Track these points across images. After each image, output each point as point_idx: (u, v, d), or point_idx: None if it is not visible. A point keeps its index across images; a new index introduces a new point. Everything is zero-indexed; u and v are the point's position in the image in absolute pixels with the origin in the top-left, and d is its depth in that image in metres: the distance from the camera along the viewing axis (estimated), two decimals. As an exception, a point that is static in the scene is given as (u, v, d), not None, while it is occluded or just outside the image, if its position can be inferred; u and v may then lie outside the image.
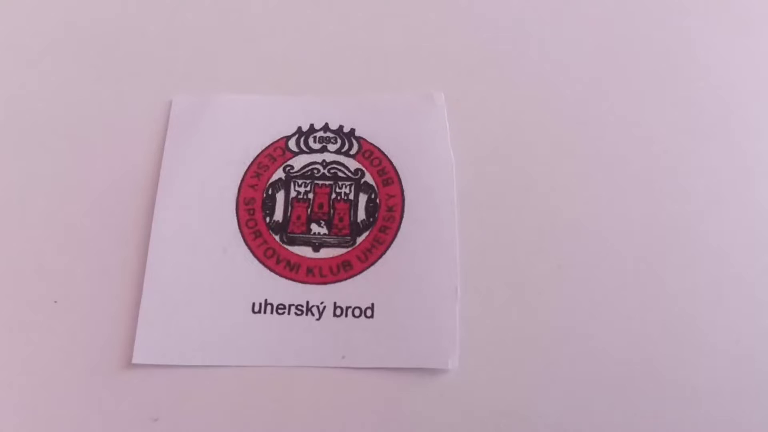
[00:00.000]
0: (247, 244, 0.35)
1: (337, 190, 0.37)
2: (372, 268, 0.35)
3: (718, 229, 0.36)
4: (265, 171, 0.37)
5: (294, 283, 0.35)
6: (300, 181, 0.37)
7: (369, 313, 0.34)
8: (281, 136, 0.38)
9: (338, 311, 0.34)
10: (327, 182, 0.37)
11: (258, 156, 0.38)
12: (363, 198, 0.37)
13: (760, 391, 0.33)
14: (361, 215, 0.36)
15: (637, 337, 0.34)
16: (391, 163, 0.37)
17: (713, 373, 0.33)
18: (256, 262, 0.35)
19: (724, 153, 0.38)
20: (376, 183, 0.37)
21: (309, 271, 0.35)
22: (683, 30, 0.42)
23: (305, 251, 0.35)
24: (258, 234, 0.36)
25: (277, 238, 0.36)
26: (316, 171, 0.37)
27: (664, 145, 0.38)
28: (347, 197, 0.37)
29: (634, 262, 0.35)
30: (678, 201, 0.37)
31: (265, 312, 0.34)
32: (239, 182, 0.37)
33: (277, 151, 0.38)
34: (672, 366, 0.33)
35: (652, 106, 0.39)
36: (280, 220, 0.36)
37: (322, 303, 0.34)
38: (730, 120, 0.39)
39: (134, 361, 0.33)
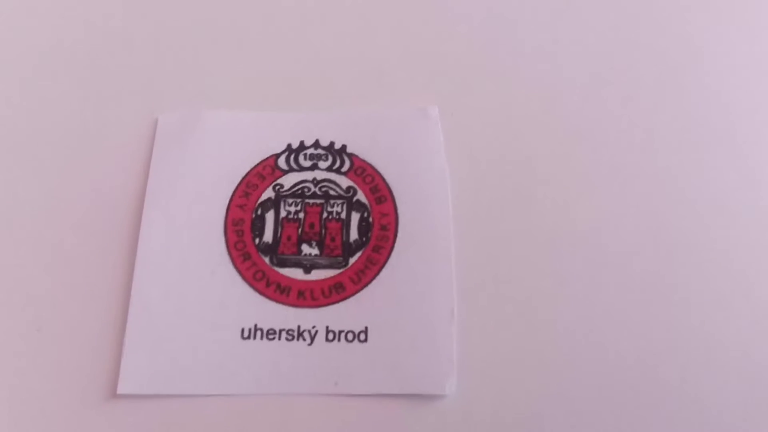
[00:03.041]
0: (235, 267, 0.34)
1: (329, 209, 0.36)
2: (365, 289, 0.34)
3: (724, 235, 0.35)
4: (254, 190, 0.36)
5: (285, 306, 0.33)
6: (290, 201, 0.36)
7: (362, 337, 0.33)
8: (270, 153, 0.37)
9: (330, 335, 0.33)
10: (318, 201, 0.36)
11: (246, 175, 0.37)
12: (355, 217, 0.35)
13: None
14: (354, 235, 0.35)
15: (643, 355, 0.32)
16: (384, 180, 0.36)
17: (724, 385, 0.32)
18: (245, 285, 0.34)
19: (729, 158, 0.37)
20: (368, 201, 0.36)
21: (300, 294, 0.34)
22: (685, 39, 0.41)
23: (296, 273, 0.34)
24: (247, 256, 0.34)
25: (266, 260, 0.34)
26: (306, 189, 0.36)
27: (668, 154, 0.37)
28: (339, 216, 0.36)
29: (636, 277, 0.34)
30: (682, 211, 0.36)
31: (254, 338, 0.33)
32: (227, 202, 0.36)
33: (266, 170, 0.37)
34: (679, 378, 0.32)
35: (654, 116, 0.38)
36: (270, 241, 0.35)
37: (313, 327, 0.33)
38: (735, 124, 0.38)
39: (119, 391, 0.31)
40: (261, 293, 0.34)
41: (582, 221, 0.35)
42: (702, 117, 0.38)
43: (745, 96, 0.39)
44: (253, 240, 0.35)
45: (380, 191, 0.36)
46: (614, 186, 0.36)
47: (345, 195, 0.36)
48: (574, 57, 0.40)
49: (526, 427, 0.31)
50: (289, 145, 0.37)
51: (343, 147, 0.37)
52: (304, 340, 0.33)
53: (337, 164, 0.37)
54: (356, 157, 0.37)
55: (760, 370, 0.32)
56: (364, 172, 0.37)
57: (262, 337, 0.33)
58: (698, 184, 0.36)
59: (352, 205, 0.36)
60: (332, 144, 0.37)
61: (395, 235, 0.35)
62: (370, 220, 0.35)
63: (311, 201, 0.36)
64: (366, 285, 0.34)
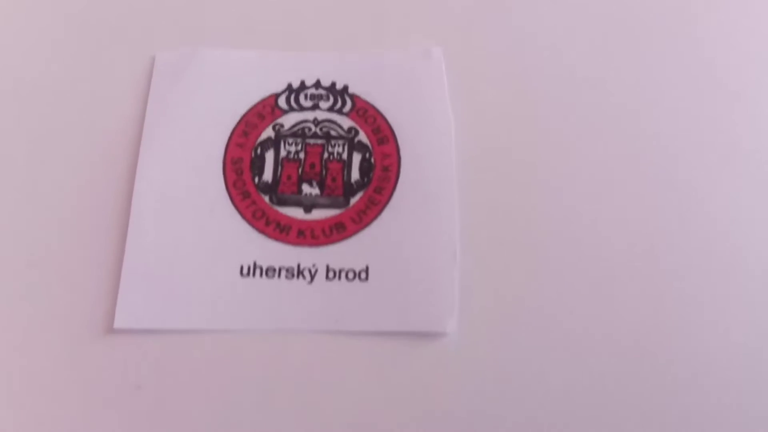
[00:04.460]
0: (234, 205, 0.34)
1: (330, 149, 0.35)
2: (366, 229, 0.33)
3: (727, 216, 0.34)
4: (253, 129, 0.35)
5: (284, 245, 0.33)
6: (290, 140, 0.35)
7: (363, 276, 0.32)
8: (270, 93, 0.36)
9: (331, 274, 0.32)
10: (319, 141, 0.35)
11: (246, 114, 0.36)
12: (357, 157, 0.35)
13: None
14: (355, 175, 0.35)
15: (643, 300, 0.32)
16: (386, 121, 0.36)
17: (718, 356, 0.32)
18: (244, 223, 0.33)
19: (731, 139, 0.36)
20: (370, 142, 0.35)
21: (300, 233, 0.33)
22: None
23: (296, 212, 0.34)
24: (246, 195, 0.34)
25: (266, 198, 0.34)
26: (307, 129, 0.36)
27: (675, 107, 0.37)
28: (340, 156, 0.35)
29: (639, 222, 0.34)
30: (691, 166, 0.35)
31: (253, 275, 0.32)
32: (226, 141, 0.35)
33: (266, 109, 0.36)
34: (684, 325, 0.32)
35: (664, 70, 0.38)
36: (270, 181, 0.34)
37: (314, 266, 0.32)
38: (739, 110, 0.37)
39: (116, 326, 0.31)
40: (260, 231, 0.33)
41: (588, 164, 0.35)
42: (713, 85, 0.37)
43: (753, 86, 0.38)
44: (253, 179, 0.34)
45: (382, 132, 0.35)
46: (624, 132, 0.36)
47: (346, 135, 0.35)
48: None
49: (524, 367, 0.31)
50: (289, 85, 0.37)
51: (345, 87, 0.37)
52: (304, 278, 0.32)
53: (339, 105, 0.36)
54: (358, 97, 0.36)
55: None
56: (365, 113, 0.36)
57: (261, 275, 0.32)
58: (702, 133, 0.36)
59: (354, 145, 0.35)
60: (333, 84, 0.37)
61: (397, 176, 0.34)
62: (372, 160, 0.35)
63: (312, 141, 0.35)
64: (367, 225, 0.33)
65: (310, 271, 0.32)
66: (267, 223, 0.33)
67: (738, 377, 0.31)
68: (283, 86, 0.37)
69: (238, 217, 0.33)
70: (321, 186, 0.34)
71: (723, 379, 0.31)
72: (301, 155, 0.35)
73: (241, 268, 0.32)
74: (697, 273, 0.33)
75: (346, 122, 0.36)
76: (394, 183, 0.34)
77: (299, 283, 0.32)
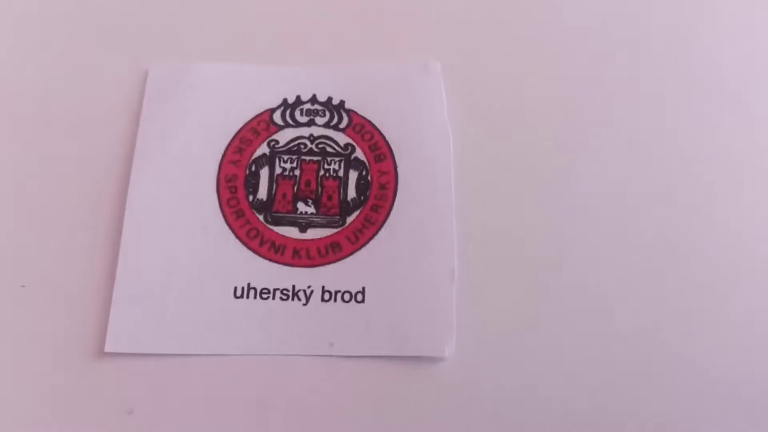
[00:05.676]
0: (228, 224, 0.33)
1: (326, 166, 0.34)
2: (363, 249, 0.33)
3: (733, 218, 0.34)
4: (248, 146, 0.35)
5: (279, 265, 0.32)
6: (285, 157, 0.35)
7: (360, 297, 0.32)
8: (265, 108, 0.36)
9: (327, 296, 0.32)
10: (315, 158, 0.35)
11: (240, 130, 0.35)
12: (353, 175, 0.34)
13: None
14: (352, 193, 0.34)
15: (643, 323, 0.32)
16: (383, 137, 0.35)
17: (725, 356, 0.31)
18: (238, 243, 0.33)
19: (736, 139, 0.36)
20: (367, 159, 0.35)
21: (295, 253, 0.33)
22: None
23: (291, 232, 0.33)
24: (240, 213, 0.33)
25: (260, 217, 0.33)
26: (302, 146, 0.35)
27: (677, 113, 0.36)
28: (336, 174, 0.34)
29: (642, 243, 0.33)
30: (685, 167, 0.35)
31: (248, 297, 0.32)
32: (220, 158, 0.35)
33: (261, 125, 0.35)
34: (684, 349, 0.31)
35: (664, 73, 0.37)
36: (264, 199, 0.34)
37: (309, 287, 0.32)
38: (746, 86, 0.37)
39: (107, 349, 0.31)
40: (255, 251, 0.33)
41: (587, 184, 0.34)
42: (713, 83, 0.37)
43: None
44: (247, 197, 0.34)
45: (379, 149, 0.35)
46: (623, 146, 0.35)
47: (343, 152, 0.35)
48: (583, 11, 0.39)
49: (524, 392, 0.30)
50: (284, 100, 0.36)
51: (342, 102, 0.36)
52: (299, 299, 0.32)
53: (335, 120, 0.36)
54: (355, 113, 0.36)
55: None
56: (362, 128, 0.35)
57: (255, 296, 0.32)
58: (702, 135, 0.36)
59: (350, 162, 0.35)
60: (330, 99, 0.36)
61: (394, 195, 0.34)
62: (369, 178, 0.34)
63: (307, 158, 0.35)
64: (364, 245, 0.33)
65: (305, 293, 0.32)
66: (261, 243, 0.33)
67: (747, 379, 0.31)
68: (279, 101, 0.36)
69: (232, 236, 0.33)
70: (317, 204, 0.34)
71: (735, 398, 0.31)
72: (297, 172, 0.34)
73: (235, 290, 0.32)
74: (700, 292, 0.32)
75: (343, 138, 0.35)
76: (391, 201, 0.34)
77: (294, 305, 0.32)
